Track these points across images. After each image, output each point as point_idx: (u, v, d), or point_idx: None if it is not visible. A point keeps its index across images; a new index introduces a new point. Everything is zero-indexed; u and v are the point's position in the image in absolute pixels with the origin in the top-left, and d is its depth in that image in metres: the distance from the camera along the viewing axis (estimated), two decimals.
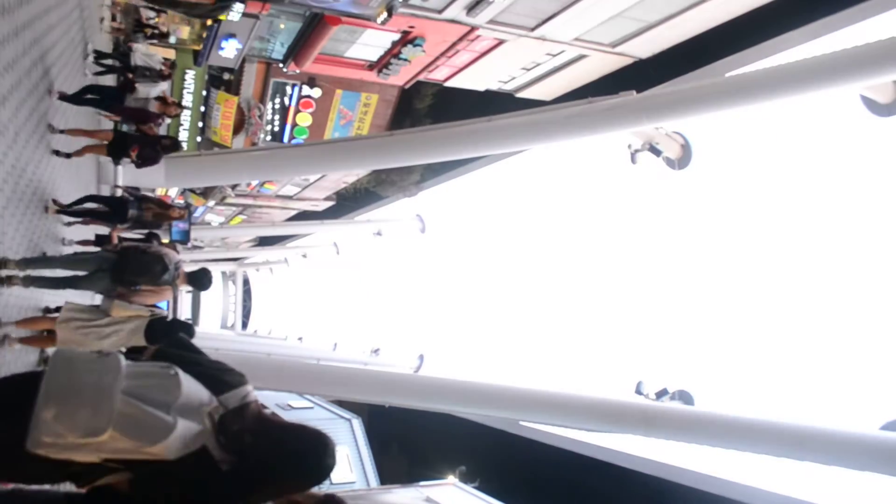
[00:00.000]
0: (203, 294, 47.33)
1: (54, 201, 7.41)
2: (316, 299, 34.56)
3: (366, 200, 26.36)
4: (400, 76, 19.87)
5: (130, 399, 1.81)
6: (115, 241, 7.63)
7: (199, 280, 6.53)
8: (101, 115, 10.07)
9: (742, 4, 16.05)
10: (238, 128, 21.11)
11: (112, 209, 8.16)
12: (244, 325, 44.72)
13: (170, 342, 2.28)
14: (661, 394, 11.32)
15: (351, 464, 30.86)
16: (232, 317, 45.73)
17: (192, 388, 1.89)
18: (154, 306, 6.12)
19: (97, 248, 7.61)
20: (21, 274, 5.52)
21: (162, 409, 1.81)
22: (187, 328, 5.93)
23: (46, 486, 2.09)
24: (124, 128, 9.62)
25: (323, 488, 2.38)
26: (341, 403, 26.27)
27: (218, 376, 2.01)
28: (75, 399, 1.80)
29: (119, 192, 9.39)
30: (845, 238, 10.23)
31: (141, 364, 1.94)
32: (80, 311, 5.79)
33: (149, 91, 9.39)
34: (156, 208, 8.31)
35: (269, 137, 21.64)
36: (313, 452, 1.97)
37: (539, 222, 17.43)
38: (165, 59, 10.58)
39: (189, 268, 6.93)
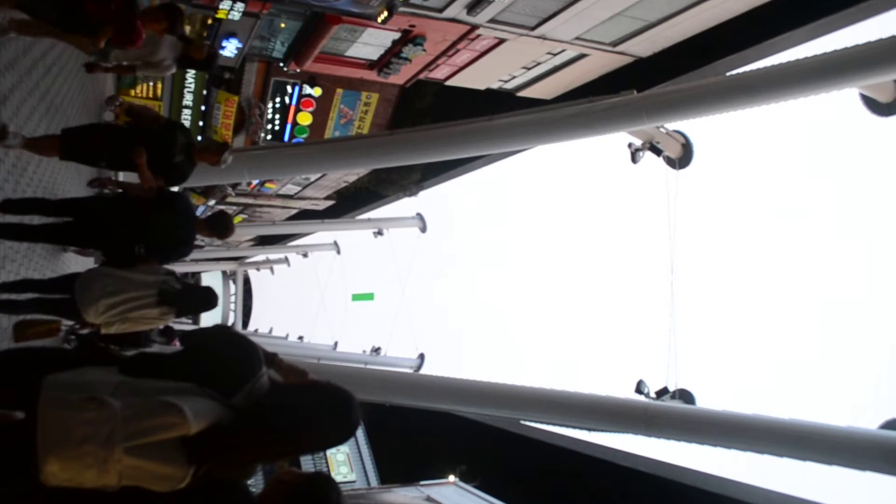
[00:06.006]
0: None
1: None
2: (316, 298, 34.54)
3: (366, 200, 26.37)
4: (400, 75, 19.87)
5: (135, 458, 1.75)
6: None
7: None
8: None
9: (742, 4, 16.07)
10: (238, 127, 21.10)
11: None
12: (244, 324, 44.75)
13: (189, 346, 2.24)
14: (661, 393, 11.32)
15: (351, 463, 30.90)
16: (232, 316, 45.77)
17: (201, 413, 1.82)
18: None
19: None
20: None
21: (169, 451, 1.76)
22: None
23: None
24: None
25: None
26: None
27: (228, 379, 1.96)
28: (78, 458, 1.73)
29: None
30: (845, 237, 10.26)
31: (140, 402, 1.82)
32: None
33: None
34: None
35: (269, 136, 21.65)
36: (335, 410, 1.96)
37: (538, 221, 17.46)
38: None
39: (191, 267, 8.14)
